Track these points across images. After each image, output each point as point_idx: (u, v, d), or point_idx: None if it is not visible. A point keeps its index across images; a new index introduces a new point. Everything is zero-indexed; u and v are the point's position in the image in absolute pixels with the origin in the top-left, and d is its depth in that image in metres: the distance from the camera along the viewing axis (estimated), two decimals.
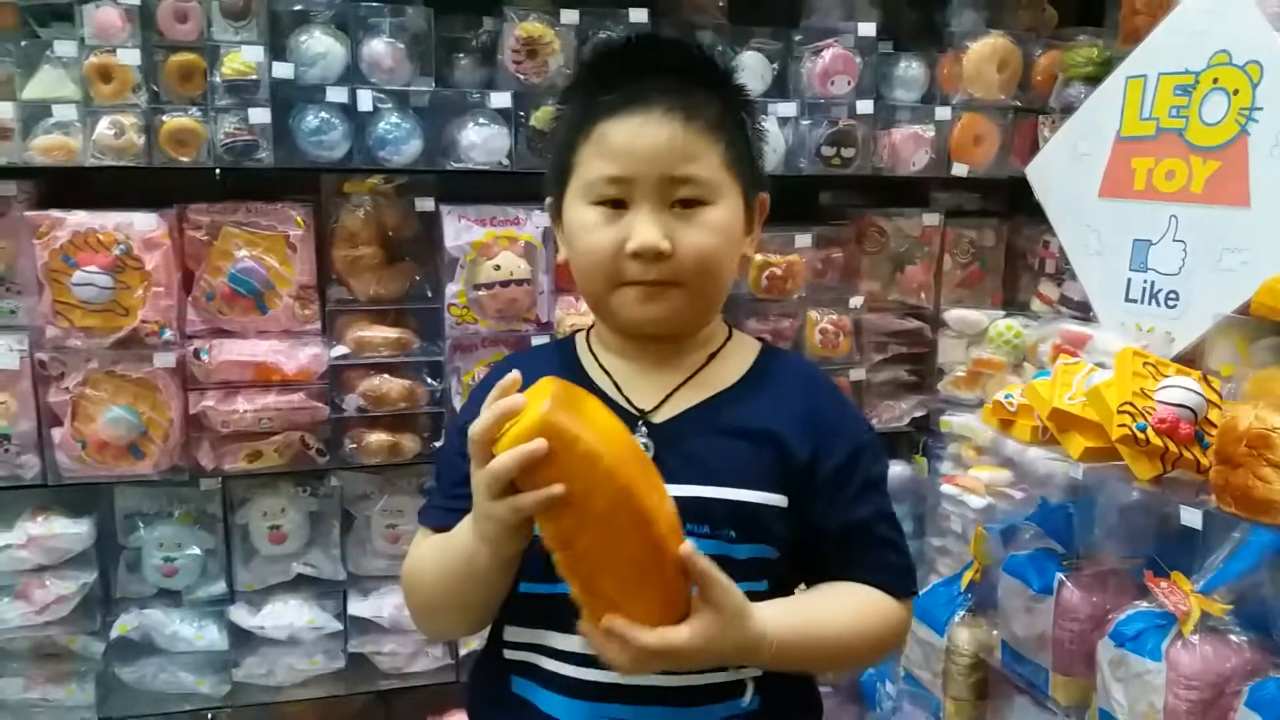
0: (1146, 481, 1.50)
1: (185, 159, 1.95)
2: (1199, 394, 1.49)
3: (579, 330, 1.26)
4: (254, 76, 1.95)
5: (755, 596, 1.01)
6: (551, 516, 0.92)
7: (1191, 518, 1.42)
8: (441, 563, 1.10)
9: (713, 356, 1.18)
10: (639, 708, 1.08)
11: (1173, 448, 1.45)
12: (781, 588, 1.14)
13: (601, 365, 1.18)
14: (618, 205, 1.08)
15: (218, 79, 1.95)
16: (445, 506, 1.15)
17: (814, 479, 1.12)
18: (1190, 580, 1.45)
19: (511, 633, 1.15)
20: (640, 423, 1.12)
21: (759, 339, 1.25)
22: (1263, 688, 1.32)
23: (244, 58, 1.94)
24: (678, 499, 0.98)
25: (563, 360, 1.20)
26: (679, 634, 0.94)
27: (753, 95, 1.20)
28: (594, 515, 0.90)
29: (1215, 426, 1.41)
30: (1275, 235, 1.64)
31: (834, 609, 1.11)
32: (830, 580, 1.14)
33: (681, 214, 1.07)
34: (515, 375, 0.95)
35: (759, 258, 2.22)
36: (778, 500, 1.11)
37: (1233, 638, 1.42)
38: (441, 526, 1.13)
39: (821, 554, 1.14)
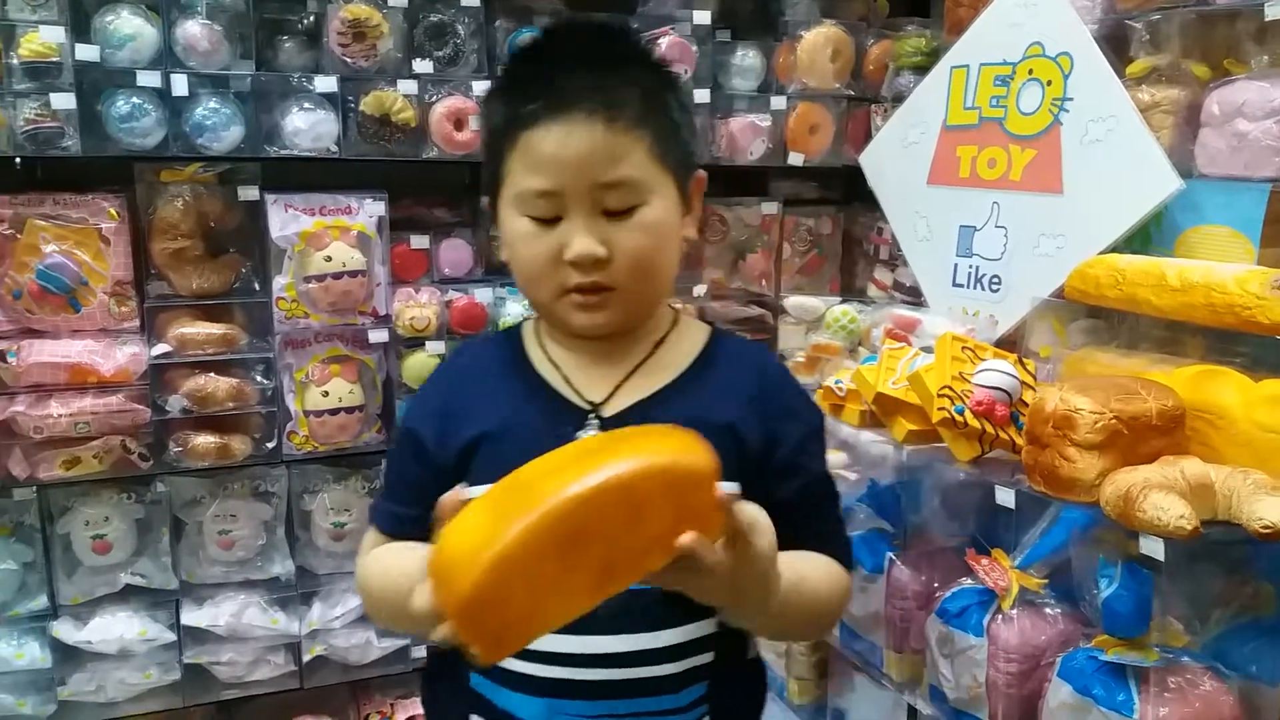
0: (966, 463, 1.54)
1: None
2: (1014, 377, 1.54)
3: (528, 318, 1.24)
4: (56, 59, 1.83)
5: None
6: None
7: (1006, 497, 1.47)
8: (385, 583, 1.10)
9: (659, 344, 1.18)
10: (597, 702, 1.08)
11: (990, 429, 1.50)
12: None
13: (550, 357, 1.17)
14: (552, 220, 1.08)
15: (15, 60, 1.82)
16: (393, 512, 1.15)
17: (768, 463, 1.14)
18: (1009, 557, 1.51)
19: None
20: (592, 416, 1.12)
21: (709, 323, 1.25)
22: (1072, 658, 1.37)
23: (43, 38, 1.82)
24: None
25: (509, 353, 1.20)
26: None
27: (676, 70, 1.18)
28: None
29: (1029, 407, 1.46)
30: (1086, 221, 1.71)
31: (814, 569, 1.13)
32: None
33: (615, 217, 1.07)
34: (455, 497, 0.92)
35: None
36: (730, 488, 1.09)
37: (1048, 610, 1.47)
38: (388, 532, 1.15)
39: (776, 531, 1.13)
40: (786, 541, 1.12)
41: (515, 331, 1.23)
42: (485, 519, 0.83)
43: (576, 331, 1.14)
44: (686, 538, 0.86)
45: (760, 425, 1.14)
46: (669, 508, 0.84)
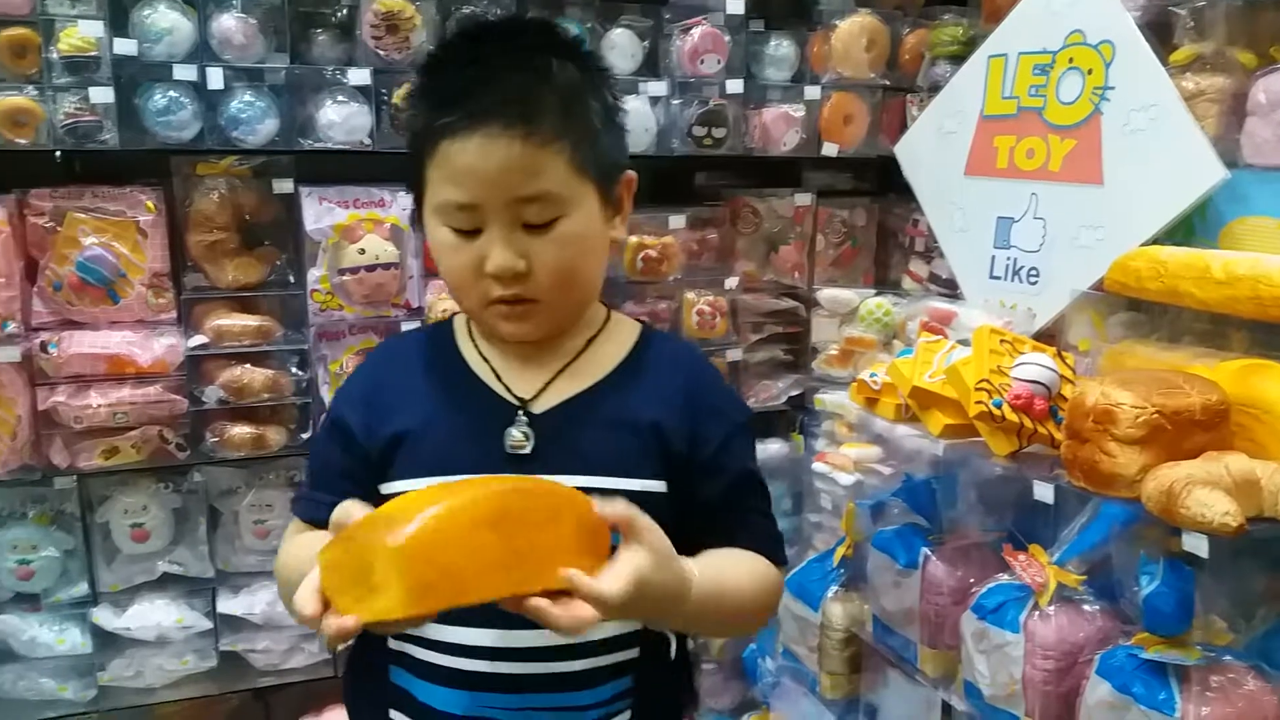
0: (1004, 457, 1.52)
1: (23, 140, 1.84)
2: (1053, 370, 1.51)
3: (457, 313, 1.23)
4: (94, 53, 1.85)
5: None
6: None
7: (1044, 492, 1.45)
8: (290, 573, 1.09)
9: (591, 341, 1.19)
10: (519, 695, 1.09)
11: (1028, 424, 1.47)
12: None
13: (481, 353, 1.17)
14: (473, 232, 1.07)
15: (54, 55, 1.84)
16: (316, 499, 1.14)
17: (693, 462, 1.14)
18: (1047, 553, 1.49)
19: None
20: (520, 412, 1.12)
21: (639, 320, 1.25)
22: (1112, 655, 1.35)
23: (82, 33, 1.84)
24: None
25: (438, 348, 1.20)
26: (613, 584, 0.93)
27: (605, 66, 1.16)
28: None
29: (1068, 401, 1.44)
30: (1127, 212, 1.68)
31: (735, 568, 1.13)
32: (712, 549, 1.16)
33: (535, 230, 1.07)
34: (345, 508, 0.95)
35: (634, 239, 2.20)
36: (657, 487, 1.13)
37: (1086, 607, 1.45)
38: (312, 520, 1.14)
39: (701, 527, 1.15)
40: (714, 540, 1.15)
41: (447, 326, 1.23)
42: (423, 496, 0.92)
43: (505, 338, 1.14)
44: (567, 571, 0.91)
45: (685, 424, 1.14)
46: (573, 528, 0.95)
